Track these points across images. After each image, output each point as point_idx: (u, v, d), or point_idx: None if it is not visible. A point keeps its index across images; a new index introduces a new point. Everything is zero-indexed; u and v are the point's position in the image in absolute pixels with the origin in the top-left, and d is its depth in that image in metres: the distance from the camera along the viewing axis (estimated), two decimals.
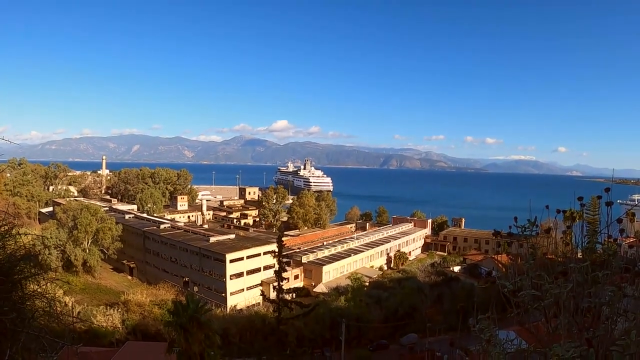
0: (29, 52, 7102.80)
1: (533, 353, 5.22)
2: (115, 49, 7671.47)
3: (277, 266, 48.11)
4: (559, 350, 4.50)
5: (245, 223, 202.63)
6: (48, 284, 6.05)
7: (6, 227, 5.86)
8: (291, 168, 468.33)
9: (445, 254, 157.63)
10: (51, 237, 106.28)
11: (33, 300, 5.50)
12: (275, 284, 48.29)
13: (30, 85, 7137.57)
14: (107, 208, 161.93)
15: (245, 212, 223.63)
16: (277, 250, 48.57)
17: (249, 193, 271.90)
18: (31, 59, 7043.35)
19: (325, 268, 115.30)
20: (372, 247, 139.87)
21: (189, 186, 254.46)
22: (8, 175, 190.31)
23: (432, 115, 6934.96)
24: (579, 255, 5.95)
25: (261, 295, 63.27)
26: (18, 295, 5.37)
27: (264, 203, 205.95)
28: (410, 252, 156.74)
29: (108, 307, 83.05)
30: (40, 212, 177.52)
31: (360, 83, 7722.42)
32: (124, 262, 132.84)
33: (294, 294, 51.20)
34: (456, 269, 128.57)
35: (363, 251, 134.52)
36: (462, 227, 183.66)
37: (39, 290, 5.66)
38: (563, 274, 5.17)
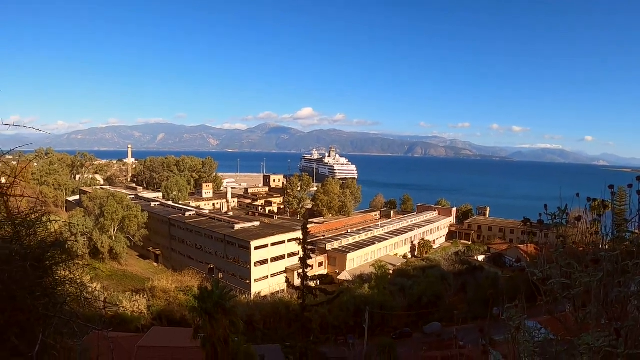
0: (56, 44, 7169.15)
1: (561, 342, 5.18)
2: (140, 39, 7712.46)
3: (301, 253, 48.20)
4: (589, 339, 4.47)
5: (269, 210, 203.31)
6: (77, 270, 6.14)
7: (37, 215, 5.95)
8: (316, 156, 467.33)
9: (470, 243, 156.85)
10: (78, 225, 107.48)
11: (64, 285, 5.59)
12: (300, 271, 48.38)
13: (57, 76, 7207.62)
14: (133, 196, 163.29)
15: (270, 199, 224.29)
16: (301, 237, 48.66)
17: (274, 180, 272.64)
18: (59, 50, 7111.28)
19: (349, 256, 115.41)
20: (397, 235, 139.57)
21: (214, 174, 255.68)
22: (35, 164, 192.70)
23: (457, 103, 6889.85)
24: (607, 245, 5.89)
25: (286, 282, 63.51)
26: (49, 280, 5.46)
27: (288, 190, 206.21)
28: (434, 241, 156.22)
29: (134, 293, 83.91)
30: (67, 200, 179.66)
31: (385, 70, 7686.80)
32: (150, 249, 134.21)
33: (318, 281, 51.31)
34: (480, 258, 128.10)
35: (387, 239, 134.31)
36: (487, 216, 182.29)
37: (69, 276, 5.75)
38: (594, 261, 5.11)
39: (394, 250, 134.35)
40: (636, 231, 5.66)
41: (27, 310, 4.79)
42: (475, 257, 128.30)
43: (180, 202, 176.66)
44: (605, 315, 5.04)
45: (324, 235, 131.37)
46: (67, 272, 5.80)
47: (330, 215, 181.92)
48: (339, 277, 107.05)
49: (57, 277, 5.60)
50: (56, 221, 7.37)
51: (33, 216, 5.85)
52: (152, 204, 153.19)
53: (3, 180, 5.96)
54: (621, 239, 5.69)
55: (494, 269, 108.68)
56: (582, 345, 4.51)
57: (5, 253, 4.85)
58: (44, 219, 6.11)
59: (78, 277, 5.95)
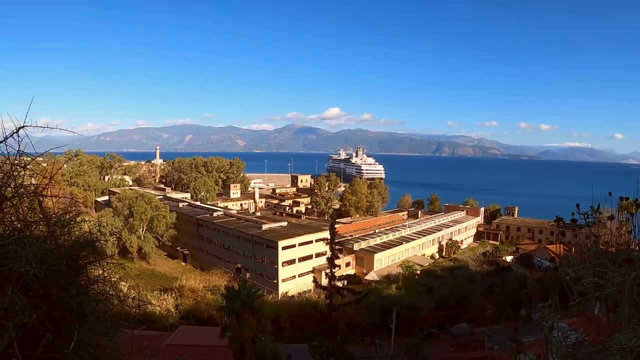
0: (84, 47, 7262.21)
1: (594, 343, 5.14)
2: (168, 40, 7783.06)
3: (329, 253, 48.14)
4: (622, 339, 4.43)
5: (297, 210, 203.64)
6: (110, 270, 6.26)
7: (71, 215, 6.07)
8: (343, 156, 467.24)
9: (498, 243, 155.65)
10: (107, 225, 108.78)
11: (98, 284, 5.69)
12: (327, 270, 48.36)
13: (86, 79, 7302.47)
14: (162, 196, 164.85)
15: (298, 199, 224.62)
16: (329, 237, 48.61)
17: (301, 181, 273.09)
18: (85, 53, 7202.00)
19: (377, 256, 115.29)
20: (424, 235, 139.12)
21: (242, 174, 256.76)
22: (65, 166, 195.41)
23: (485, 101, 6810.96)
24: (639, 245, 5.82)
25: (313, 282, 63.57)
26: (83, 279, 5.57)
27: (316, 191, 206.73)
28: (462, 241, 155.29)
29: (162, 292, 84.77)
30: (96, 201, 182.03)
31: (412, 69, 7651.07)
32: (178, 248, 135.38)
33: (346, 281, 51.24)
34: (508, 258, 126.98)
35: (415, 239, 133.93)
36: (515, 216, 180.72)
37: (103, 275, 5.86)
38: (627, 261, 5.06)
39: (421, 250, 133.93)
40: None
41: (62, 307, 4.89)
42: (504, 258, 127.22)
43: (208, 203, 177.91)
44: (637, 316, 5.00)
45: (351, 236, 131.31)
46: (101, 271, 5.91)
47: (358, 215, 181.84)
48: (366, 277, 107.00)
49: (90, 276, 5.71)
50: (89, 221, 7.54)
51: (67, 216, 5.96)
52: (181, 205, 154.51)
53: (33, 181, 6.08)
54: None
55: (522, 269, 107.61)
56: (615, 346, 4.48)
57: (40, 252, 4.94)
58: (78, 219, 6.23)
59: (110, 276, 6.07)
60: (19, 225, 5.27)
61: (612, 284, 5.06)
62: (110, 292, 5.76)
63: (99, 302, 5.41)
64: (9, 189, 5.38)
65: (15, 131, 5.36)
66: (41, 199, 5.67)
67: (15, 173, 5.42)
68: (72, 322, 4.86)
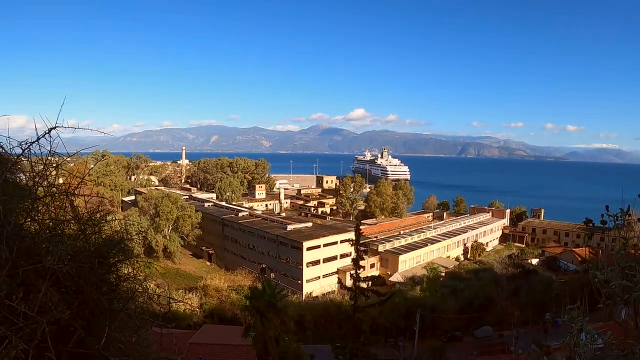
0: (111, 48, 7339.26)
1: (621, 346, 5.11)
2: (194, 41, 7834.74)
3: (354, 254, 48.14)
4: None
5: (322, 211, 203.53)
6: (139, 268, 6.36)
7: (101, 214, 6.18)
8: (368, 157, 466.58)
9: (523, 246, 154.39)
10: (134, 224, 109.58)
11: (127, 282, 5.78)
12: (352, 271, 48.36)
13: (113, 80, 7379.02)
14: (187, 197, 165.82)
15: (323, 200, 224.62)
16: (354, 238, 48.61)
17: (327, 182, 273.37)
18: (113, 54, 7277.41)
19: (401, 257, 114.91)
20: (449, 237, 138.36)
21: (267, 175, 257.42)
22: (92, 166, 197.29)
23: (510, 102, 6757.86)
24: None
25: (338, 282, 63.62)
26: (114, 277, 5.66)
27: (341, 192, 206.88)
28: (487, 243, 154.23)
29: (187, 291, 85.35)
30: (122, 200, 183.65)
31: (437, 69, 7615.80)
32: (203, 248, 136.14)
33: (370, 283, 51.18)
34: (534, 261, 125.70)
35: (440, 241, 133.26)
36: (542, 218, 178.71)
37: (133, 273, 5.95)
38: None
39: (446, 252, 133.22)
40: None
41: (93, 304, 4.98)
42: (529, 261, 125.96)
43: (234, 203, 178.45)
44: None
45: (376, 237, 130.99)
46: (130, 269, 6.00)
47: (383, 217, 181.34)
48: (390, 279, 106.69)
49: (120, 274, 5.80)
50: (119, 220, 7.67)
51: (97, 215, 6.06)
52: (206, 205, 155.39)
53: (60, 181, 6.20)
54: None
55: (548, 272, 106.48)
56: None
57: (72, 249, 5.04)
58: (109, 218, 6.34)
59: (139, 274, 6.16)
60: (50, 224, 5.37)
61: None
62: (139, 290, 5.85)
63: (129, 299, 5.50)
64: (41, 188, 5.49)
65: (47, 132, 5.46)
66: (72, 198, 5.77)
67: (47, 173, 5.53)
68: (102, 318, 4.95)
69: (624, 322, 5.47)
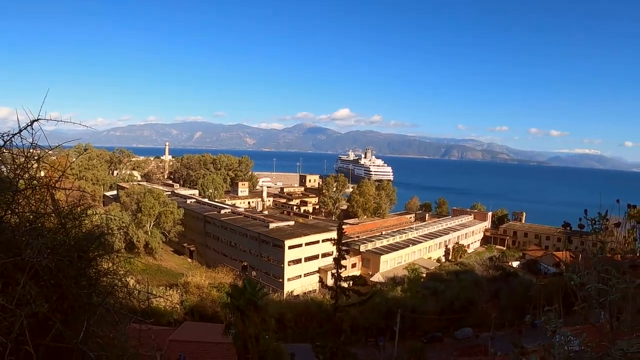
0: (96, 41, 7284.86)
1: (597, 348, 5.17)
2: (181, 37, 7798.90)
3: (335, 253, 48.17)
4: (624, 345, 4.47)
5: (304, 210, 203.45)
6: (120, 263, 6.34)
7: (82, 208, 6.15)
8: (352, 156, 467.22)
9: (505, 249, 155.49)
10: (115, 219, 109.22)
11: (107, 277, 5.77)
12: (333, 271, 48.41)
13: (97, 73, 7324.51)
14: (170, 192, 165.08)
15: (305, 199, 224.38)
16: (336, 237, 48.66)
17: (310, 180, 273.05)
18: (98, 47, 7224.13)
19: (383, 257, 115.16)
20: (431, 239, 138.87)
21: (250, 173, 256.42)
22: (74, 160, 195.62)
23: (496, 106, 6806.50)
24: None
25: (319, 282, 63.64)
26: (93, 271, 5.64)
27: (324, 191, 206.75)
28: (469, 245, 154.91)
29: (167, 288, 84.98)
30: (104, 195, 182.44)
31: (423, 71, 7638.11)
32: (185, 245, 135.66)
33: (351, 282, 51.27)
34: (515, 264, 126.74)
35: (421, 242, 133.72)
36: (523, 222, 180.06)
37: (113, 268, 5.93)
38: (633, 267, 5.10)
39: (427, 253, 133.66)
40: None
41: (71, 298, 4.96)
42: (510, 263, 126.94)
43: (216, 200, 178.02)
44: None
45: (358, 237, 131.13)
46: (110, 264, 5.99)
47: (365, 217, 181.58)
48: (372, 279, 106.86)
49: (100, 269, 5.78)
50: (100, 214, 7.62)
51: (78, 209, 6.03)
52: (188, 201, 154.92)
53: (42, 174, 6.16)
54: None
55: (528, 275, 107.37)
56: (617, 351, 4.51)
57: (51, 243, 5.02)
58: (89, 212, 6.32)
59: (119, 269, 6.14)
60: (31, 217, 5.34)
61: (616, 291, 5.09)
62: (119, 285, 5.83)
63: (108, 294, 5.48)
64: (22, 181, 5.46)
65: (29, 124, 5.43)
66: (53, 191, 5.75)
67: (29, 165, 5.50)
68: (81, 313, 4.94)
69: (599, 325, 5.53)
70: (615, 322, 5.25)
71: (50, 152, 5.99)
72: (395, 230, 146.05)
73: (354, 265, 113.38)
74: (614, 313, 5.26)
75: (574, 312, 5.69)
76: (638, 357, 4.41)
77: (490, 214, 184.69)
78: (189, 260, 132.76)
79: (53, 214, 5.64)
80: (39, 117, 5.45)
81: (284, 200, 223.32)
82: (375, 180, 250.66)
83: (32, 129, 5.45)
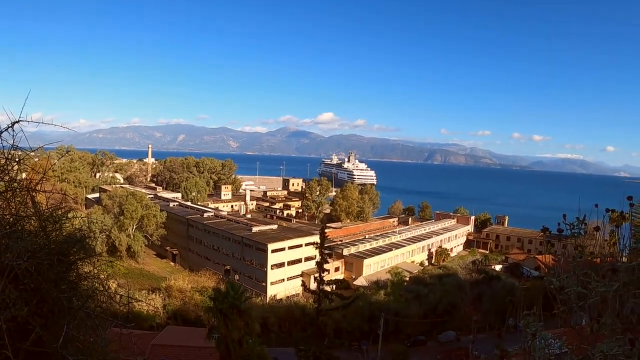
0: (79, 42, 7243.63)
1: (577, 351, 5.21)
2: (165, 39, 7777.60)
3: (318, 257, 48.22)
4: (603, 347, 4.51)
5: (288, 214, 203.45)
6: (100, 266, 6.30)
7: (62, 210, 6.10)
8: (335, 160, 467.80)
9: (487, 252, 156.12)
10: (97, 222, 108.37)
11: (88, 280, 5.73)
12: (316, 275, 48.46)
13: (81, 74, 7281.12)
14: (152, 195, 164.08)
15: (289, 203, 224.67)
16: (319, 241, 48.69)
17: (293, 184, 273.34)
18: (83, 48, 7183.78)
19: (366, 261, 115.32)
20: (414, 242, 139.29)
21: (233, 176, 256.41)
22: (56, 161, 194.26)
23: (479, 110, 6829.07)
24: (624, 258, 5.88)
25: (302, 285, 63.74)
26: (74, 275, 5.60)
27: (307, 194, 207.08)
28: (451, 249, 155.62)
29: (150, 292, 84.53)
30: (86, 198, 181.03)
31: (407, 77, 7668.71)
32: (167, 248, 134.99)
33: (334, 286, 51.36)
34: (497, 267, 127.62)
35: (404, 246, 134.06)
36: (506, 225, 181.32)
37: (94, 271, 5.89)
38: (613, 271, 5.15)
39: (410, 257, 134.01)
40: None
41: (51, 302, 4.92)
42: (493, 267, 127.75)
43: (199, 203, 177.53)
44: (620, 326, 5.07)
45: (341, 240, 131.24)
46: (91, 268, 5.94)
47: (348, 221, 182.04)
48: (355, 283, 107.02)
49: (80, 272, 5.74)
50: (81, 217, 7.57)
51: (59, 212, 5.99)
52: (171, 204, 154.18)
53: (24, 176, 6.11)
54: (638, 251, 5.71)
55: (511, 279, 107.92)
56: (597, 354, 4.55)
57: (31, 246, 4.98)
58: (70, 215, 6.27)
59: (100, 273, 6.10)
60: (11, 220, 5.29)
61: (596, 294, 5.14)
62: (100, 289, 5.79)
63: (88, 298, 5.44)
64: (2, 183, 5.41)
65: (10, 125, 5.39)
66: (33, 194, 5.70)
67: (9, 167, 5.45)
68: (61, 316, 4.90)
69: (580, 328, 5.58)
70: (595, 325, 5.29)
71: (31, 153, 5.94)
72: (378, 234, 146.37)
73: (337, 269, 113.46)
74: (594, 316, 5.31)
75: (555, 316, 5.73)
76: (617, 359, 4.45)
77: (473, 217, 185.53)
78: (172, 263, 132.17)
79: (33, 217, 5.59)
80: (20, 119, 5.41)
81: (267, 204, 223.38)
82: (358, 184, 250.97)
83: (13, 130, 5.41)
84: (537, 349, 5.38)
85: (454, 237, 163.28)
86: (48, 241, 5.43)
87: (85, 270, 5.84)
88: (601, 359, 4.53)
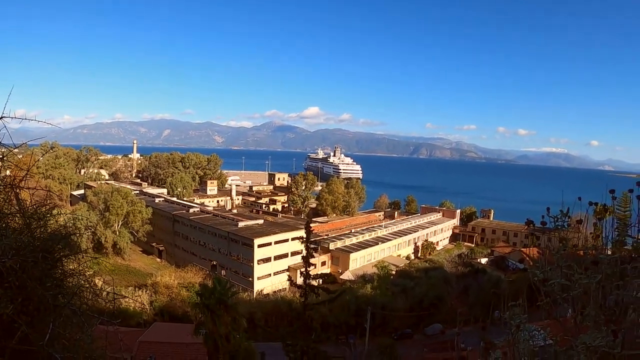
0: (63, 38, 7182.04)
1: (560, 343, 5.26)
2: (148, 34, 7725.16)
3: (304, 252, 48.21)
4: (586, 339, 4.56)
5: (274, 209, 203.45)
6: (86, 263, 6.26)
7: (47, 207, 6.07)
8: (321, 155, 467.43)
9: (473, 245, 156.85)
10: (82, 219, 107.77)
11: (73, 277, 5.70)
12: (303, 269, 48.45)
13: (64, 70, 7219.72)
14: (138, 191, 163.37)
15: (274, 197, 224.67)
16: (305, 235, 48.67)
17: (278, 179, 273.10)
18: (66, 44, 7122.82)
19: (352, 255, 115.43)
20: (400, 236, 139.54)
21: (219, 171, 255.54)
22: (40, 158, 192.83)
23: (465, 105, 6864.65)
24: (609, 250, 5.93)
25: (288, 280, 63.69)
26: (59, 272, 5.57)
27: (293, 189, 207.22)
28: (437, 242, 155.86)
29: (137, 289, 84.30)
30: (71, 194, 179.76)
31: (393, 70, 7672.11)
32: (153, 244, 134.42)
33: (321, 280, 51.33)
34: (483, 260, 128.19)
35: (391, 240, 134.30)
36: (491, 219, 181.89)
37: (79, 268, 5.86)
38: (594, 263, 5.19)
39: (397, 251, 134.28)
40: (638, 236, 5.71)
41: (37, 300, 4.90)
42: (479, 260, 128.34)
43: (185, 199, 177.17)
44: (603, 317, 5.12)
45: (327, 235, 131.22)
46: (76, 265, 5.91)
47: (334, 215, 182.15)
48: (341, 277, 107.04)
49: (66, 269, 5.71)
50: (65, 214, 7.54)
51: (43, 209, 5.95)
52: (157, 200, 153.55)
53: (8, 173, 6.06)
54: (621, 244, 5.76)
55: (496, 272, 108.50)
56: (580, 345, 4.60)
57: (16, 243, 4.95)
58: (54, 212, 6.24)
59: (86, 270, 6.07)
60: None
61: (579, 286, 5.19)
62: (85, 286, 5.76)
63: (74, 295, 5.42)
64: None
65: None
66: (18, 191, 5.66)
67: None
68: (47, 314, 4.88)
69: (564, 320, 5.62)
70: (579, 317, 5.33)
71: (15, 150, 5.90)
72: (364, 228, 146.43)
73: (323, 264, 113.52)
74: (578, 308, 5.35)
75: (539, 307, 5.78)
76: (600, 350, 4.50)
77: (458, 211, 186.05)
78: (158, 260, 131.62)
79: (17, 214, 5.56)
80: (4, 115, 5.37)
81: (253, 199, 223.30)
82: (344, 179, 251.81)
83: None
84: (521, 341, 5.43)
85: (440, 231, 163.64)
86: (33, 238, 5.40)
87: (71, 267, 5.81)
88: (584, 350, 4.58)
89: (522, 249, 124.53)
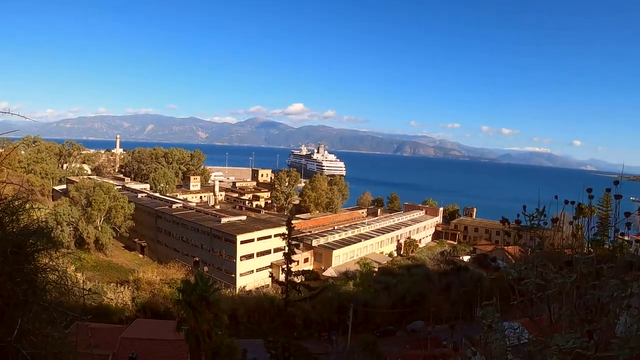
0: (46, 31, 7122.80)
1: (535, 343, 5.25)
2: (132, 28, 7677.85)
3: (286, 248, 48.26)
4: (560, 340, 4.54)
5: (257, 205, 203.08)
6: (60, 259, 6.17)
7: (20, 201, 5.98)
8: (304, 151, 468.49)
9: (456, 243, 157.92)
10: (64, 214, 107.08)
11: (45, 273, 5.62)
12: (284, 266, 48.53)
13: (47, 64, 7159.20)
14: (120, 187, 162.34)
15: (258, 194, 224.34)
16: (286, 232, 48.71)
17: (262, 175, 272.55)
18: (49, 37, 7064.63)
19: (335, 252, 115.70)
20: (383, 233, 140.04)
21: (202, 167, 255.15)
22: (22, 152, 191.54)
23: (449, 103, 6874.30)
24: (586, 249, 5.94)
25: (270, 277, 63.69)
26: (30, 267, 5.49)
27: (276, 185, 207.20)
28: (420, 240, 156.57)
29: (119, 285, 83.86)
30: (53, 189, 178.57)
31: (378, 67, 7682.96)
32: (136, 240, 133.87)
33: (303, 277, 51.41)
34: (466, 258, 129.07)
35: (373, 237, 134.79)
36: (474, 217, 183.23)
37: (51, 263, 5.77)
38: (568, 263, 5.19)
39: (379, 248, 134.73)
40: (616, 235, 5.72)
41: (6, 295, 4.82)
42: (461, 258, 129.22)
43: (168, 194, 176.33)
44: (578, 317, 5.12)
45: (310, 231, 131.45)
46: (49, 260, 5.83)
47: (317, 212, 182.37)
48: (324, 274, 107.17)
49: (38, 265, 5.63)
50: (40, 208, 7.42)
51: (16, 203, 5.86)
52: (139, 195, 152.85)
53: None
54: (599, 243, 5.77)
55: (478, 269, 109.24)
56: (553, 346, 4.58)
57: None
58: (27, 205, 6.14)
59: (60, 265, 5.98)
60: None
61: (554, 285, 5.18)
62: (59, 282, 5.68)
63: (42, 290, 5.34)
64: None
65: None
66: None
67: None
68: (16, 310, 4.80)
69: (539, 320, 5.62)
70: (554, 317, 5.33)
71: None
72: (347, 225, 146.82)
73: (306, 260, 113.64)
74: (553, 307, 5.35)
75: (513, 306, 5.78)
76: (573, 351, 4.49)
77: (441, 209, 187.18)
78: (140, 256, 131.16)
79: None
80: None
81: (236, 195, 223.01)
82: (327, 175, 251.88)
83: None
84: (492, 341, 5.42)
85: (422, 229, 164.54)
86: (4, 233, 5.32)
87: (44, 262, 5.72)
88: (557, 352, 4.56)
89: (505, 247, 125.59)
